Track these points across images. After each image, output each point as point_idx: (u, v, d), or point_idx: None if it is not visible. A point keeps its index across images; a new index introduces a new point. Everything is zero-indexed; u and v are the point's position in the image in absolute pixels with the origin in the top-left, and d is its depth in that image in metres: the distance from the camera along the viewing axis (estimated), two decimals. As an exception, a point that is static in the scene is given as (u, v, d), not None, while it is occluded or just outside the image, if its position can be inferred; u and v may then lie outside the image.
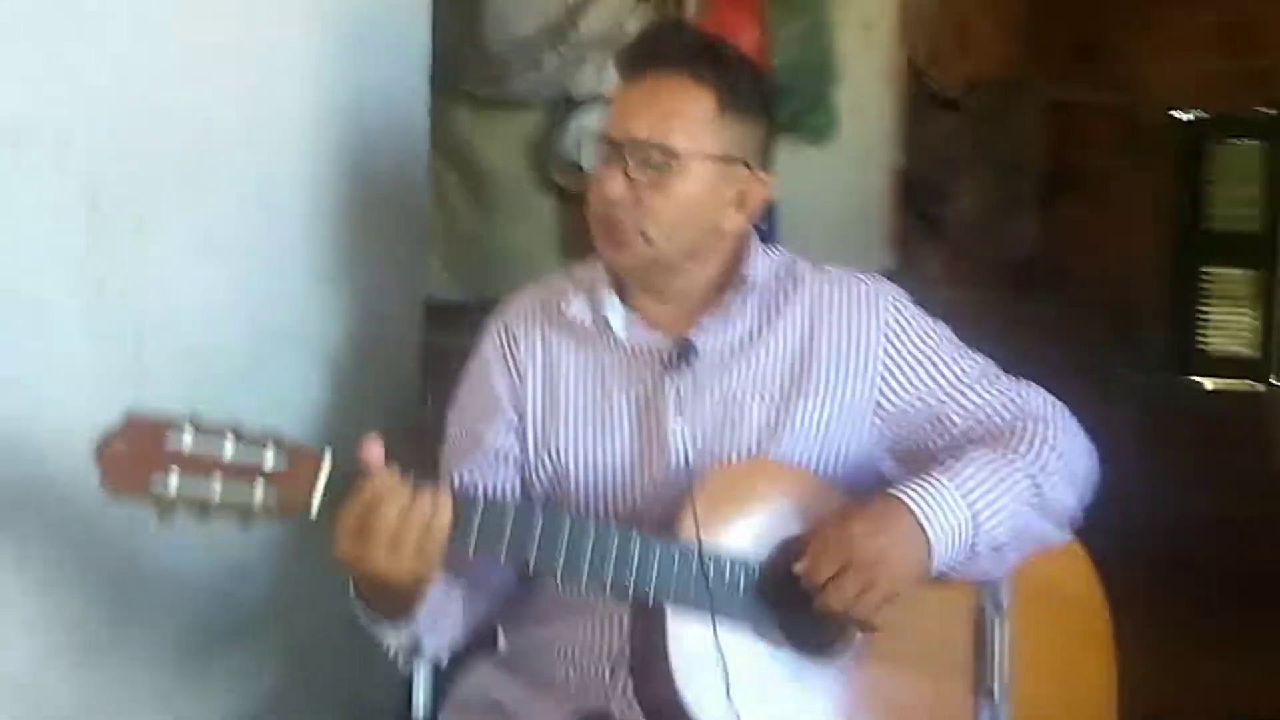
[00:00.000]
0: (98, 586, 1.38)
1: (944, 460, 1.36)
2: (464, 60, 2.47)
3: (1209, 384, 4.98)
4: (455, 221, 2.83)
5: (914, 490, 1.30)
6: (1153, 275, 5.06)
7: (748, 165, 1.39)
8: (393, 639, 1.31)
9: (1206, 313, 5.10)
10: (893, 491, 1.31)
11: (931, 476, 1.33)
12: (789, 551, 1.28)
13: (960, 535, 1.29)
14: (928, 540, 1.27)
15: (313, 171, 1.61)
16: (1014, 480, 1.34)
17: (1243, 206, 5.04)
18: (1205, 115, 4.97)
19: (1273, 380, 4.82)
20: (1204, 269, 5.10)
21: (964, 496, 1.31)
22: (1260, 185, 4.95)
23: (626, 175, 1.33)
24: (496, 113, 2.69)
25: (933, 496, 1.29)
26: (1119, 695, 1.48)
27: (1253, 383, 4.87)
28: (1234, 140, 5.05)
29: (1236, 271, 5.09)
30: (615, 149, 1.34)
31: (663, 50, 1.37)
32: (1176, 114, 4.96)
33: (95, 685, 1.37)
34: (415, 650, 1.35)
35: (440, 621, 1.35)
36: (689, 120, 1.34)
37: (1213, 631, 3.92)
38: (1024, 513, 1.34)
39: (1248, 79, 4.77)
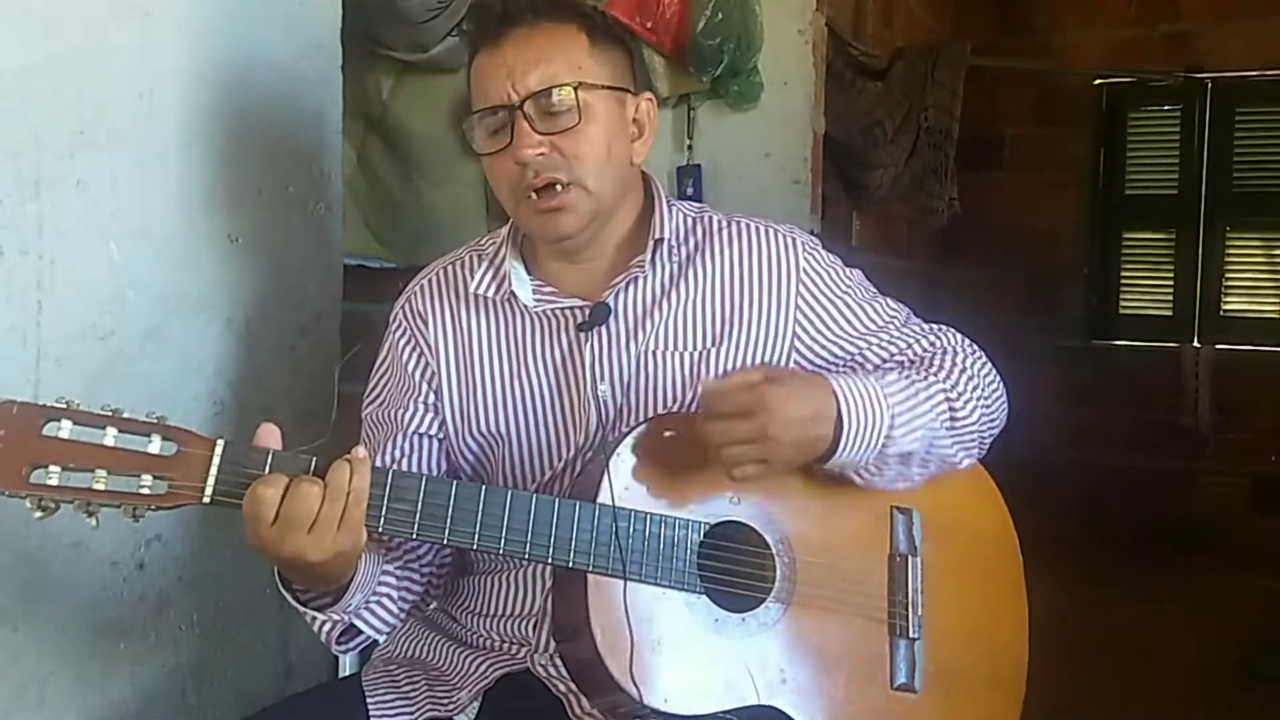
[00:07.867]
0: (8, 557, 1.34)
1: (870, 370, 1.38)
2: (384, 24, 2.43)
3: (1126, 344, 5.09)
4: (379, 187, 2.78)
5: (846, 381, 1.30)
6: (1073, 240, 5.16)
7: (632, 91, 1.39)
8: (325, 623, 1.28)
9: (1126, 275, 5.21)
10: (828, 377, 1.30)
11: (863, 374, 1.34)
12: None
13: (874, 434, 1.29)
14: (840, 429, 1.27)
15: (217, 132, 1.56)
16: (930, 395, 1.36)
17: (1160, 171, 5.14)
18: (1124, 81, 5.05)
19: (1195, 342, 4.93)
20: (1124, 233, 5.20)
21: (886, 398, 1.31)
22: (1178, 149, 5.05)
23: (537, 132, 1.31)
24: (418, 77, 2.65)
25: (860, 392, 1.29)
26: (1030, 633, 1.50)
27: (1167, 342, 4.98)
28: (1152, 106, 5.14)
29: (1154, 235, 5.20)
30: (512, 112, 1.31)
31: (514, 9, 1.34)
32: (1096, 80, 5.03)
33: (7, 656, 1.34)
34: (350, 634, 1.33)
35: (375, 603, 1.32)
36: (572, 58, 1.33)
37: (1122, 574, 4.06)
38: (936, 429, 1.36)
39: (1166, 45, 4.86)
